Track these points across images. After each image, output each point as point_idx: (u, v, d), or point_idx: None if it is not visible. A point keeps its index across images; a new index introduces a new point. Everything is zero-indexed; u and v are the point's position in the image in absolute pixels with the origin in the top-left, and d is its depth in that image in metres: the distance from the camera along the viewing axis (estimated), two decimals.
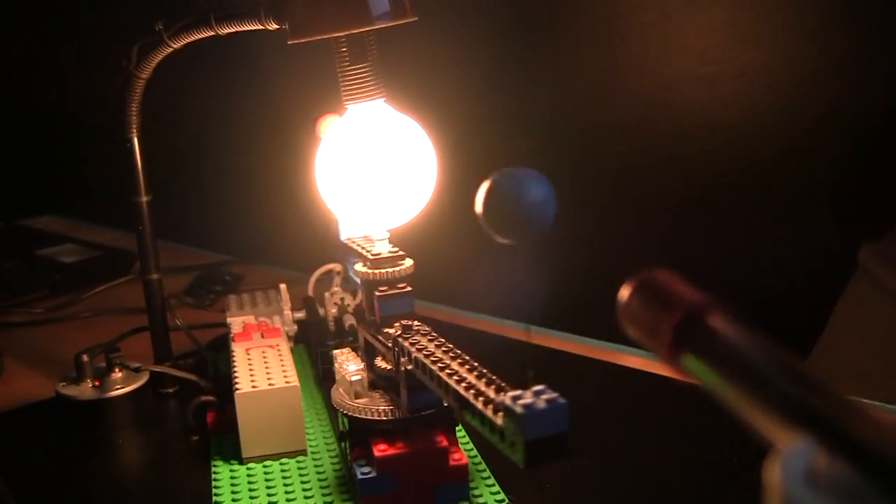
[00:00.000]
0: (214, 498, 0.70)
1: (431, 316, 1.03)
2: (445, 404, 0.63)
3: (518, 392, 0.50)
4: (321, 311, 0.94)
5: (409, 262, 0.70)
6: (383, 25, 0.69)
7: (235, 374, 0.77)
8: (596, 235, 1.26)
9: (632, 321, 0.33)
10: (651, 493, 0.70)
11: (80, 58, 1.66)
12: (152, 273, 0.89)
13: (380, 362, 0.69)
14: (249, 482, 0.72)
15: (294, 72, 1.22)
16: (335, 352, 0.74)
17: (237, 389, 0.74)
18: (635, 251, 1.24)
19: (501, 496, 0.68)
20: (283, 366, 0.78)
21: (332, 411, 0.78)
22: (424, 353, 0.61)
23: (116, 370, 0.86)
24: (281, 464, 0.75)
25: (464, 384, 0.55)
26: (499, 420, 0.51)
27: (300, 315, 0.94)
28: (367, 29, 0.69)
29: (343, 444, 0.73)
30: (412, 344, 0.63)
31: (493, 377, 0.56)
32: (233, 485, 0.72)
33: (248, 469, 0.74)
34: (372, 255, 0.70)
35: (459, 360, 0.59)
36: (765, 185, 1.18)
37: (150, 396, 0.88)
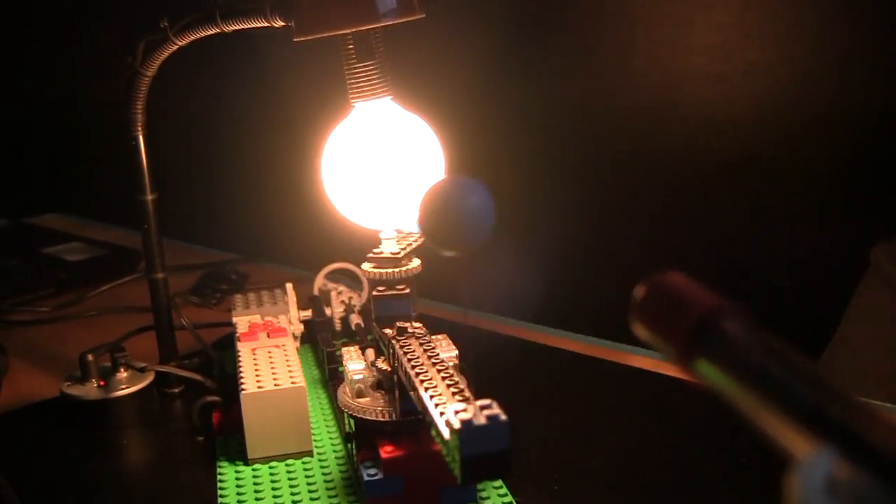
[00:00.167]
0: (220, 499, 0.70)
1: (440, 316, 1.02)
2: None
3: (462, 406, 0.49)
4: (327, 311, 0.93)
5: (412, 264, 0.69)
6: (390, 23, 0.68)
7: (241, 375, 0.76)
8: (604, 234, 1.25)
9: (644, 324, 0.32)
10: (659, 494, 0.69)
11: (86, 56, 1.66)
12: (158, 272, 0.89)
13: (381, 363, 0.69)
14: (255, 483, 0.72)
15: (300, 69, 1.21)
16: (343, 349, 0.74)
17: (243, 390, 0.73)
18: (644, 250, 1.23)
19: (509, 498, 0.67)
20: (289, 366, 0.78)
21: (339, 412, 0.78)
22: (409, 357, 0.61)
23: (122, 370, 0.86)
24: (287, 465, 0.74)
25: (431, 393, 0.55)
26: (446, 433, 0.50)
27: (306, 315, 0.94)
28: (373, 26, 0.68)
29: (349, 445, 0.73)
30: (401, 347, 0.63)
31: (466, 389, 0.55)
32: (238, 486, 0.72)
33: (253, 470, 0.74)
34: (373, 253, 0.70)
35: (439, 368, 0.58)
36: (775, 183, 1.17)
37: (155, 396, 0.87)
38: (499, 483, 0.69)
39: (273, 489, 0.71)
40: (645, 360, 0.92)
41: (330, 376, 0.86)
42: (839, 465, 0.24)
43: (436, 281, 0.73)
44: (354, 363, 0.70)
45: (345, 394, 0.69)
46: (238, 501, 0.69)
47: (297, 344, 0.91)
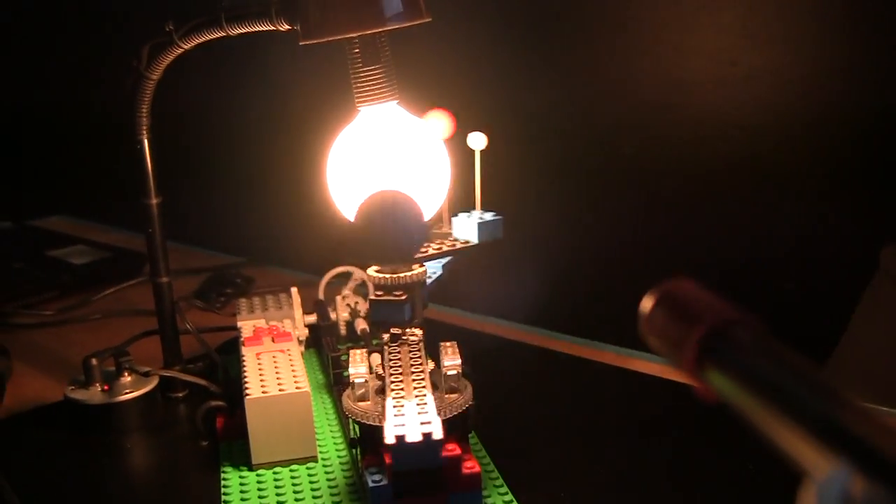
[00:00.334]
0: None
1: (448, 321, 1.02)
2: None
3: (402, 421, 0.49)
4: (333, 315, 0.93)
5: (413, 271, 0.68)
6: (396, 26, 0.68)
7: (245, 379, 0.76)
8: (608, 237, 1.25)
9: (654, 333, 0.32)
10: (666, 500, 0.69)
11: (92, 59, 1.66)
12: (162, 276, 0.88)
13: (378, 368, 0.68)
14: (259, 489, 0.71)
15: (306, 73, 1.21)
16: (350, 353, 0.73)
17: (247, 395, 0.73)
18: (648, 253, 1.23)
19: None
20: (293, 371, 0.77)
21: (343, 417, 0.77)
22: (391, 364, 0.60)
23: (125, 374, 0.85)
24: (291, 470, 0.74)
25: (395, 403, 0.54)
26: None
27: (311, 319, 0.93)
28: (379, 30, 0.68)
29: (354, 450, 0.72)
30: (389, 353, 0.62)
31: (430, 403, 0.55)
32: (242, 492, 0.71)
33: (257, 476, 0.73)
34: None
35: (416, 378, 0.58)
36: (782, 186, 1.16)
37: (159, 401, 0.87)
38: (504, 490, 0.69)
39: (277, 495, 0.70)
40: (650, 364, 0.91)
41: (335, 381, 0.86)
42: (855, 481, 0.23)
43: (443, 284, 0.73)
44: (358, 367, 0.70)
45: (349, 399, 0.69)
46: None
47: (302, 348, 0.90)
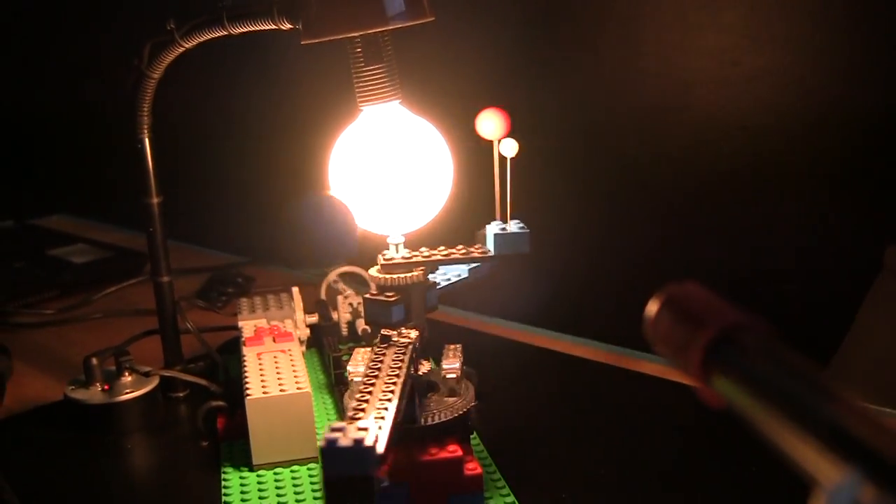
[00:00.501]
0: None
1: (446, 320, 1.02)
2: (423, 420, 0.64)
3: (341, 425, 0.48)
4: (334, 315, 0.93)
5: (410, 273, 0.68)
6: (399, 25, 0.67)
7: (246, 379, 0.76)
8: (609, 237, 1.24)
9: (659, 337, 0.32)
10: (668, 501, 0.69)
11: (93, 58, 1.65)
12: (163, 275, 0.88)
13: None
14: (260, 489, 0.71)
15: (308, 72, 1.21)
16: (355, 350, 0.73)
17: (248, 395, 0.73)
18: (650, 253, 1.22)
19: None
20: (294, 371, 0.77)
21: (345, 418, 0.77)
22: (371, 365, 0.60)
23: (126, 374, 0.85)
24: (292, 471, 0.74)
25: (356, 405, 0.54)
26: None
27: (313, 319, 0.93)
28: (382, 29, 0.67)
29: None
30: (375, 354, 0.62)
31: (391, 408, 0.54)
32: (243, 492, 0.71)
33: (258, 476, 0.73)
34: (385, 259, 0.70)
35: (388, 381, 0.57)
36: (784, 187, 1.16)
37: (159, 401, 0.87)
38: (507, 491, 0.68)
39: (278, 495, 0.70)
40: (652, 365, 0.91)
41: (336, 381, 0.85)
42: (865, 490, 0.23)
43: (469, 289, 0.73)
44: (357, 366, 0.69)
45: (350, 399, 0.68)
46: None
47: (303, 348, 0.90)
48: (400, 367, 0.60)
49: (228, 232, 1.44)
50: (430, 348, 0.70)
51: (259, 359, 0.80)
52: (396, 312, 0.68)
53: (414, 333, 0.66)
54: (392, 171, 0.68)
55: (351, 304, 0.92)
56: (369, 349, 0.72)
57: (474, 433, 0.76)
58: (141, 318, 1.08)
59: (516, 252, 0.71)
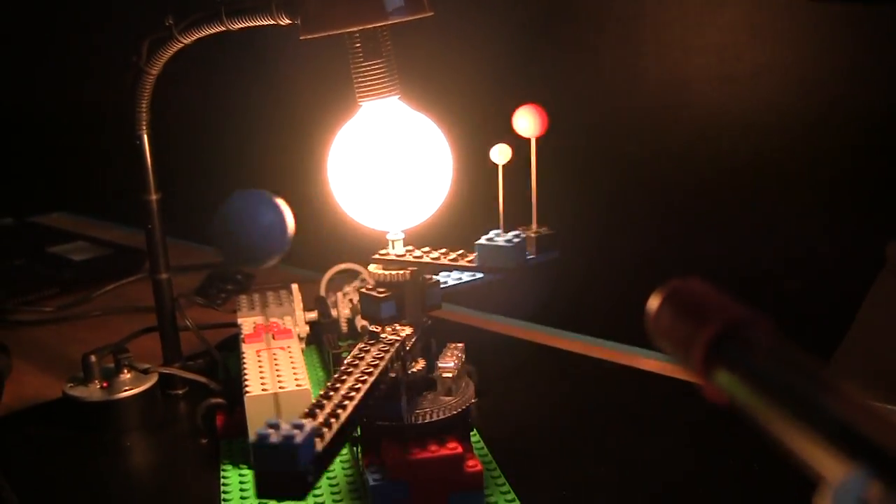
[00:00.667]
0: (223, 503, 0.69)
1: (446, 317, 1.01)
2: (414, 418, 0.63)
3: (276, 421, 0.48)
4: (334, 312, 0.92)
5: (400, 271, 0.68)
6: (398, 20, 0.67)
7: (245, 377, 0.75)
8: (610, 233, 1.24)
9: (661, 332, 0.31)
10: (669, 499, 0.68)
11: (92, 54, 1.65)
12: (162, 272, 0.88)
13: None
14: None
15: (306, 68, 1.21)
16: (357, 346, 0.72)
17: (247, 392, 0.73)
18: (651, 250, 1.22)
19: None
20: (293, 368, 0.77)
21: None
22: (349, 362, 0.60)
23: (125, 371, 0.85)
24: None
25: (315, 403, 0.54)
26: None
27: (312, 316, 0.93)
28: (381, 24, 0.67)
29: (354, 449, 0.72)
30: (360, 350, 0.62)
31: (349, 409, 0.54)
32: (242, 489, 0.71)
33: None
34: (379, 254, 0.69)
35: (357, 381, 0.57)
36: (786, 182, 1.16)
37: (158, 398, 0.87)
38: (507, 488, 0.68)
39: None
40: (653, 362, 0.91)
41: None
42: (871, 487, 0.22)
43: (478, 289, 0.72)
44: None
45: None
46: None
47: (303, 346, 0.90)
48: (377, 366, 0.59)
49: None
50: (431, 346, 0.70)
51: (258, 356, 0.80)
52: (386, 309, 0.67)
53: (407, 331, 0.66)
54: (391, 167, 0.68)
55: (351, 301, 0.92)
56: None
57: (474, 430, 0.76)
58: (140, 315, 1.08)
59: (501, 267, 0.66)
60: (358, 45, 0.68)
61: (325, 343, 0.89)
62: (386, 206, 0.69)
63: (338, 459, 0.75)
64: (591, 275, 1.21)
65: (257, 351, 0.81)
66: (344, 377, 0.57)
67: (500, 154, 0.68)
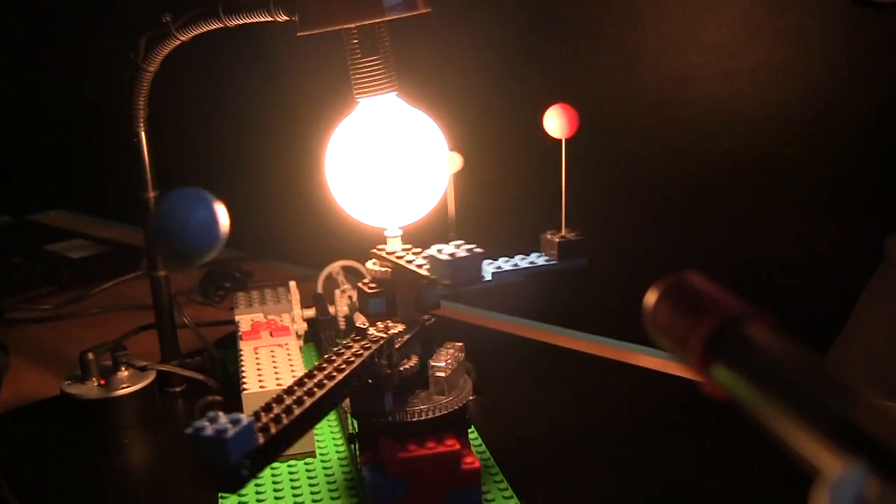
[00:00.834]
0: (221, 500, 0.69)
1: (445, 315, 1.01)
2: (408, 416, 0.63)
3: (216, 414, 0.48)
4: (331, 309, 0.92)
5: (384, 268, 0.68)
6: (395, 17, 0.67)
7: (243, 374, 0.75)
8: (610, 231, 1.24)
9: (659, 327, 0.31)
10: (668, 497, 0.68)
11: (90, 52, 1.65)
12: (160, 270, 0.88)
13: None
14: (256, 484, 0.71)
15: (304, 65, 1.20)
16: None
17: (244, 389, 0.72)
18: (651, 248, 1.22)
19: (515, 501, 0.66)
20: (291, 365, 0.77)
21: (342, 412, 0.77)
22: (328, 357, 0.60)
23: (122, 369, 0.85)
24: (289, 465, 0.73)
25: (275, 397, 0.54)
26: None
27: (310, 313, 0.92)
28: (378, 20, 0.67)
29: (352, 446, 0.71)
30: (342, 346, 0.61)
31: (314, 407, 0.54)
32: None
33: None
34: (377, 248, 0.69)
35: (326, 377, 0.57)
36: (787, 178, 1.16)
37: (156, 395, 0.86)
38: (505, 485, 0.68)
39: (275, 490, 0.70)
40: (652, 359, 0.91)
41: None
42: (869, 482, 0.22)
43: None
44: None
45: None
46: (239, 502, 0.68)
47: (301, 343, 0.90)
48: (352, 363, 0.59)
49: None
50: (433, 344, 0.69)
51: (256, 353, 0.80)
52: (374, 305, 0.67)
53: (398, 328, 0.66)
54: (389, 163, 0.68)
55: (349, 298, 0.92)
56: None
57: (472, 428, 0.76)
58: (138, 312, 1.08)
59: (468, 283, 0.63)
60: (355, 41, 0.68)
61: (322, 340, 0.89)
62: (383, 203, 0.69)
63: (335, 456, 0.75)
64: (589, 272, 1.21)
65: (255, 348, 0.81)
66: (315, 372, 0.57)
67: (450, 163, 0.68)
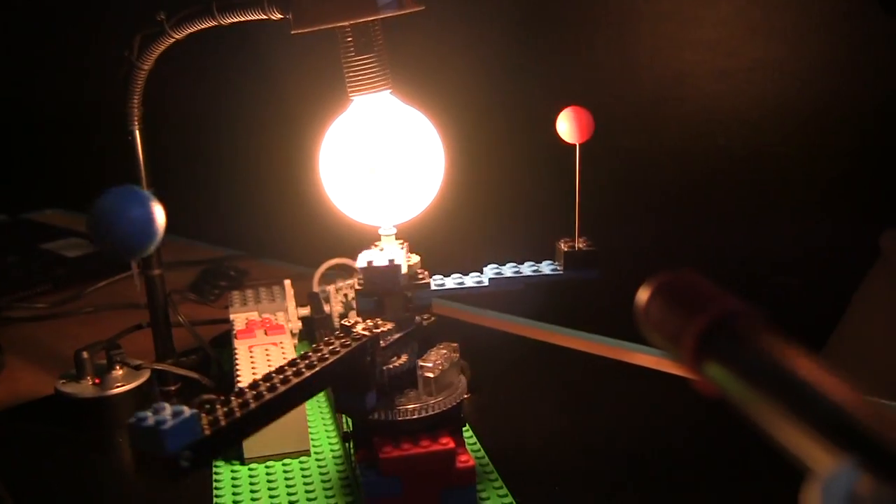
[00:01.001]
0: (215, 499, 0.69)
1: (441, 313, 1.01)
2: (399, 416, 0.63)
3: (163, 405, 0.48)
4: (326, 308, 0.92)
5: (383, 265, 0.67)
6: (389, 14, 0.67)
7: (238, 373, 0.75)
8: (605, 229, 1.24)
9: (651, 324, 0.31)
10: (662, 495, 0.68)
11: (83, 50, 1.65)
12: (154, 268, 0.87)
13: None
14: (251, 483, 0.71)
15: (298, 63, 1.20)
16: None
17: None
18: (647, 245, 1.22)
19: (510, 499, 0.66)
20: None
21: (337, 411, 0.76)
22: (305, 353, 0.59)
23: (117, 367, 0.84)
24: (284, 464, 0.73)
25: (237, 391, 0.54)
26: None
27: (305, 311, 0.92)
28: (372, 18, 0.67)
29: (347, 444, 0.71)
30: (325, 342, 0.61)
31: (284, 401, 0.54)
32: (234, 486, 0.70)
33: (249, 469, 0.73)
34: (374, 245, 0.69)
35: (291, 374, 0.57)
36: (782, 175, 1.16)
37: (151, 394, 0.86)
38: (499, 484, 0.68)
39: (269, 489, 0.70)
40: (647, 358, 0.91)
41: None
42: (861, 479, 0.22)
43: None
44: None
45: None
46: (234, 501, 0.68)
47: (295, 341, 0.90)
48: (326, 360, 0.58)
49: (221, 225, 1.43)
50: (431, 343, 0.69)
51: (250, 352, 0.80)
52: (364, 303, 0.68)
53: (387, 327, 0.65)
54: (383, 161, 0.68)
55: (345, 297, 0.92)
56: None
57: (467, 426, 0.76)
58: (133, 311, 1.07)
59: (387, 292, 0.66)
60: (349, 39, 0.68)
61: (317, 338, 0.89)
62: (377, 201, 0.69)
63: (330, 455, 0.74)
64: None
65: (250, 347, 0.81)
66: (286, 368, 0.57)
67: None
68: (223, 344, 0.92)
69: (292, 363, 0.57)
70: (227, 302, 0.93)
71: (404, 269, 0.66)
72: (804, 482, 0.23)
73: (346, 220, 0.72)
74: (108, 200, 0.53)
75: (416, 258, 0.69)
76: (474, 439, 0.75)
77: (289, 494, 0.69)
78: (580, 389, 0.87)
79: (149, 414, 0.47)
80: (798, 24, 1.16)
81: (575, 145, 0.66)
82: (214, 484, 0.71)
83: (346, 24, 0.67)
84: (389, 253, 0.67)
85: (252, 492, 0.69)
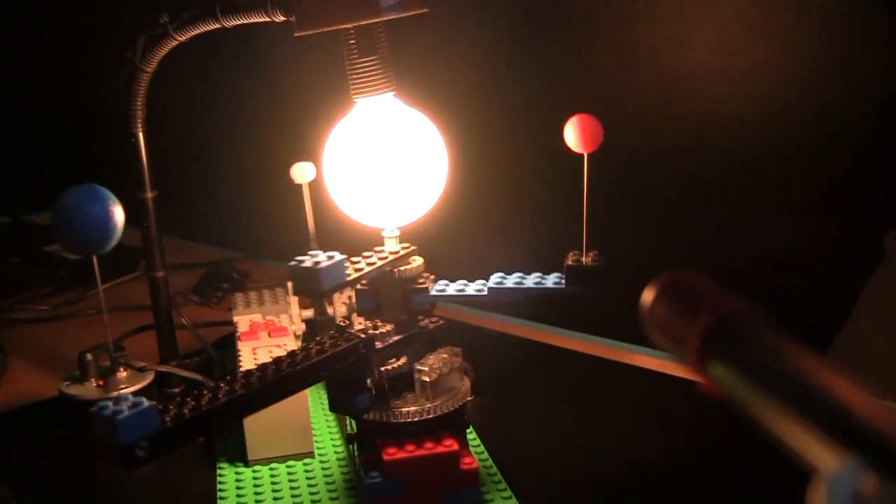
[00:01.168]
0: (219, 501, 0.69)
1: (442, 314, 1.01)
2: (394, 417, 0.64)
3: (127, 395, 0.49)
4: (329, 310, 0.92)
5: (371, 265, 0.68)
6: (393, 17, 0.67)
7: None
8: (606, 231, 1.24)
9: (655, 325, 0.31)
10: (665, 497, 0.68)
11: (87, 51, 1.65)
12: (158, 270, 0.88)
13: None
14: (255, 485, 0.71)
15: (302, 65, 1.20)
16: None
17: None
18: (648, 247, 1.22)
19: (513, 501, 0.66)
20: None
21: (330, 410, 0.76)
22: (294, 350, 0.60)
23: (121, 369, 0.84)
24: (287, 466, 0.73)
25: (214, 385, 0.54)
26: None
27: (308, 313, 0.92)
28: (376, 20, 0.67)
29: (351, 446, 0.71)
30: (317, 341, 0.61)
31: (256, 398, 0.54)
32: (238, 487, 0.71)
33: (253, 472, 0.73)
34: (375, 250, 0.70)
35: (273, 375, 0.57)
36: (785, 176, 1.16)
37: (155, 396, 0.86)
38: (503, 486, 0.68)
39: (273, 491, 0.70)
40: (651, 360, 0.91)
41: None
42: (866, 478, 0.22)
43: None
44: None
45: None
46: (238, 503, 0.68)
47: (299, 343, 0.90)
48: (310, 359, 0.58)
49: (224, 227, 1.43)
50: (436, 346, 0.69)
51: (254, 354, 0.80)
52: (363, 301, 0.68)
53: (386, 328, 0.66)
54: (386, 163, 0.68)
55: (348, 298, 0.92)
56: None
57: (471, 428, 0.76)
58: (136, 313, 1.07)
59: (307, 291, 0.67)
60: (352, 41, 0.68)
61: None
62: (381, 203, 0.69)
63: (334, 457, 0.75)
64: None
65: (253, 349, 0.81)
66: (270, 365, 0.57)
67: (300, 173, 0.69)
68: (226, 346, 0.93)
69: (276, 361, 0.58)
70: (230, 304, 0.94)
71: (341, 276, 0.65)
72: (809, 483, 0.24)
73: (349, 222, 0.72)
74: (69, 198, 0.55)
75: (419, 261, 0.69)
76: (478, 441, 0.75)
77: (293, 496, 0.69)
78: (584, 392, 0.87)
79: (110, 403, 0.48)
80: (798, 24, 1.16)
81: (582, 154, 0.64)
82: (218, 486, 0.71)
83: (349, 26, 0.67)
84: (330, 257, 0.65)
85: (256, 494, 0.69)
